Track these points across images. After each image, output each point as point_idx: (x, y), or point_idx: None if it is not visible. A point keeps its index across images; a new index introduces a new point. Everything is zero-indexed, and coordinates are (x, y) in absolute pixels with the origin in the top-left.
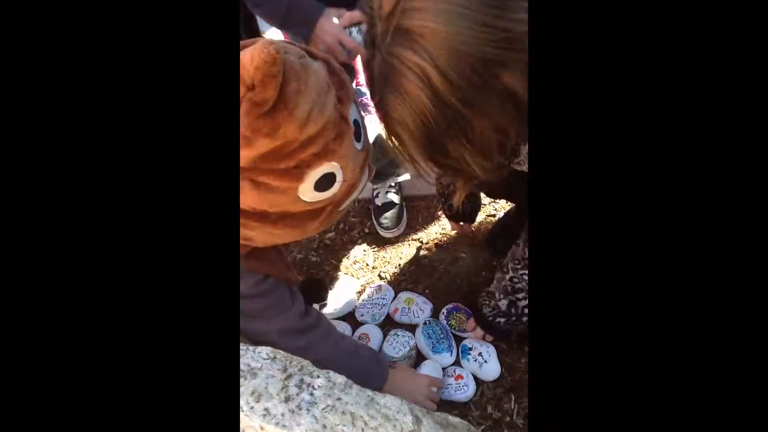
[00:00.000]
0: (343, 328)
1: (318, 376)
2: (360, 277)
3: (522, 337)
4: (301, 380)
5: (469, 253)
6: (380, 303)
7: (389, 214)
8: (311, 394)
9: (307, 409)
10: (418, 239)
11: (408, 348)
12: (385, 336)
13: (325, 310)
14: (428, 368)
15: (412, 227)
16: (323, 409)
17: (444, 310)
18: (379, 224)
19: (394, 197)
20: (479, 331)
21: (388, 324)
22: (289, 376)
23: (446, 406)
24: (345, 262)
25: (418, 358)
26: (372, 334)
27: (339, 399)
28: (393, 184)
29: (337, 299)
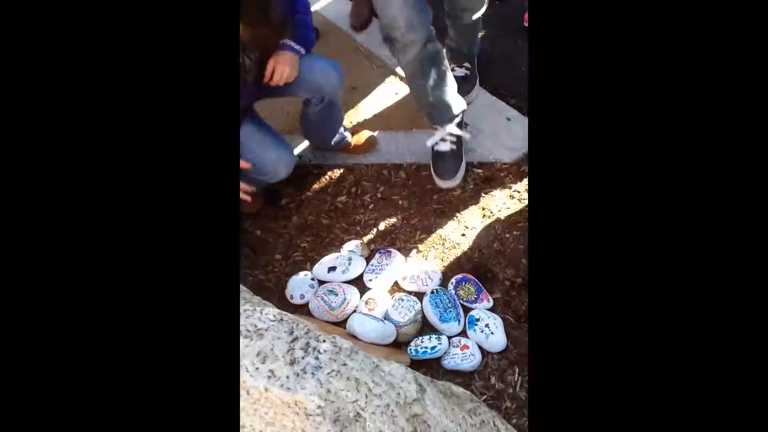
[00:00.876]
0: (351, 291)
1: (324, 341)
2: (370, 242)
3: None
4: (307, 344)
5: (483, 225)
6: (389, 269)
7: (447, 164)
8: (316, 358)
9: (312, 373)
10: (432, 208)
11: (414, 313)
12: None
13: (332, 274)
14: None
15: (426, 195)
16: (328, 373)
17: (453, 280)
18: (436, 173)
19: (452, 147)
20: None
21: (395, 290)
22: (295, 339)
23: (451, 374)
24: (356, 227)
25: (425, 325)
26: (378, 298)
27: (344, 364)
28: (452, 133)
29: (345, 263)
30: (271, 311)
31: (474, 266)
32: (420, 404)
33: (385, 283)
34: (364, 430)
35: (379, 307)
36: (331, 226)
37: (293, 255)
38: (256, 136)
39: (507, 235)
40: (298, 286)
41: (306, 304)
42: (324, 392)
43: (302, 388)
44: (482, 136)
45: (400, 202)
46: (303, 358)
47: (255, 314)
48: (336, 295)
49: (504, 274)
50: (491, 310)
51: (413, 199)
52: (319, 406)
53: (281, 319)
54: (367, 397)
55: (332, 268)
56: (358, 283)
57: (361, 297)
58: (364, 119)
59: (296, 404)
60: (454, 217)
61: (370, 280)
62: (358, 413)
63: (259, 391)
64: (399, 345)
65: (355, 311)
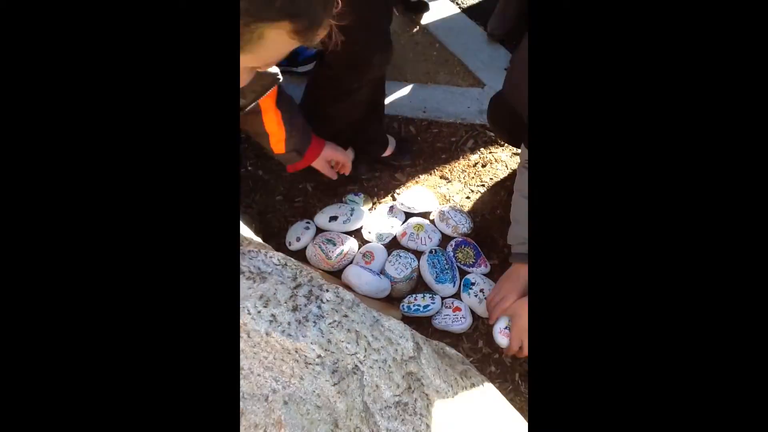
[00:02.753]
0: (350, 243)
1: (327, 290)
2: (372, 196)
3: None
4: (310, 291)
5: (487, 189)
6: (389, 224)
7: None
8: (319, 307)
9: (314, 322)
10: (439, 168)
11: (410, 270)
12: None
13: (333, 224)
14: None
15: (435, 154)
16: (330, 323)
17: (452, 242)
18: None
19: None
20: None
21: (393, 246)
22: (298, 286)
23: (440, 334)
24: (359, 181)
25: (420, 283)
26: (376, 252)
27: (345, 316)
28: None
29: (348, 213)
30: (276, 255)
31: (475, 230)
32: (416, 362)
33: (383, 237)
34: (361, 382)
35: (376, 260)
36: (335, 180)
37: (296, 199)
38: None
39: (500, 197)
40: (294, 230)
41: (303, 250)
42: (325, 342)
43: (303, 336)
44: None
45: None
46: (306, 305)
47: (259, 256)
48: (334, 244)
49: (504, 241)
50: (488, 275)
51: (420, 157)
52: (319, 356)
53: (285, 264)
54: (366, 351)
55: (333, 218)
56: (358, 235)
57: (359, 248)
58: None
59: (297, 351)
60: (461, 179)
61: (370, 233)
62: (356, 366)
63: (260, 334)
64: (392, 300)
65: (351, 263)
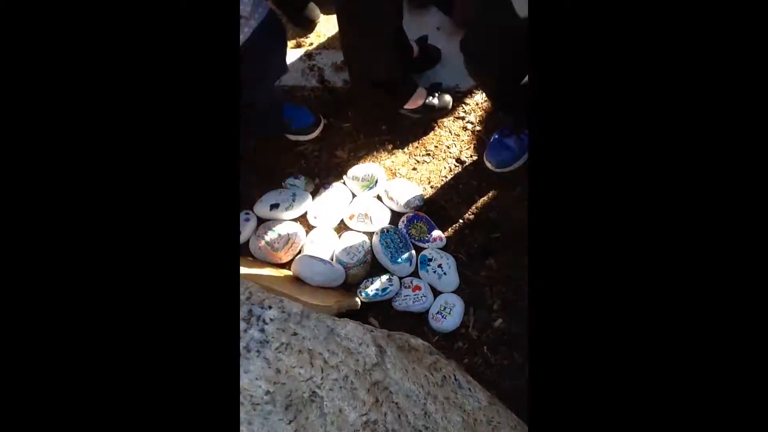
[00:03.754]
0: (297, 230)
1: (270, 307)
2: (314, 177)
3: (482, 251)
4: (250, 312)
5: (435, 156)
6: (335, 205)
7: None
8: (262, 330)
9: (257, 351)
10: (382, 138)
11: (363, 253)
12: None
13: (275, 212)
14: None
15: (378, 123)
16: (276, 348)
17: (404, 218)
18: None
19: None
20: None
21: (342, 229)
22: None
23: (403, 315)
24: (299, 159)
25: (374, 265)
26: (325, 237)
27: (295, 334)
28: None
29: (289, 199)
30: None
31: (426, 202)
32: (381, 369)
33: (331, 221)
34: (322, 410)
35: (326, 245)
36: (272, 160)
37: None
38: None
39: (459, 170)
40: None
41: (245, 244)
42: (272, 374)
43: (246, 371)
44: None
45: (349, 131)
46: (246, 331)
47: None
48: (279, 234)
49: (456, 212)
50: (444, 249)
51: (362, 128)
52: (267, 392)
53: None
54: (323, 371)
55: (275, 205)
56: (303, 221)
57: (306, 235)
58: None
59: (240, 393)
60: (405, 150)
61: (315, 217)
62: (314, 392)
63: None
64: (348, 287)
65: (300, 252)
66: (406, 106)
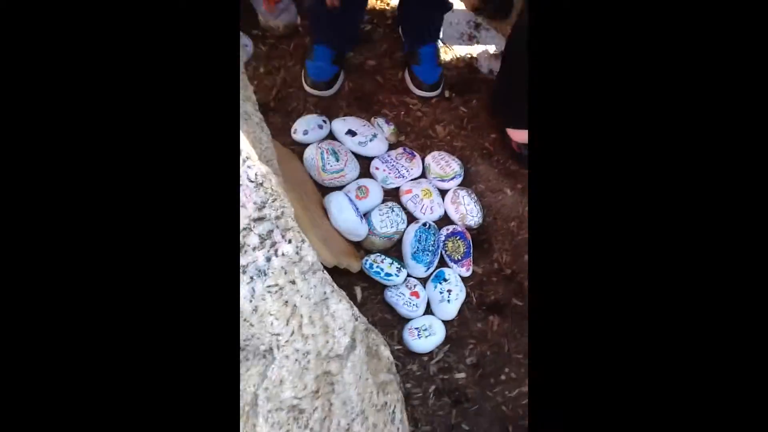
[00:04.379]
0: (353, 166)
1: (290, 240)
2: (401, 135)
3: (492, 305)
4: (270, 232)
5: (512, 194)
6: (401, 173)
7: None
8: (268, 259)
9: (251, 277)
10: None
11: (394, 230)
12: (383, 203)
13: (348, 138)
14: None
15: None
16: (268, 286)
17: (443, 230)
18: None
19: None
20: None
21: (391, 197)
22: (261, 218)
23: (385, 304)
24: (396, 109)
25: (396, 247)
26: (372, 191)
27: (293, 282)
28: None
29: (369, 136)
30: (256, 166)
31: (479, 228)
32: (340, 363)
33: (387, 180)
34: (265, 371)
35: (368, 200)
36: (372, 92)
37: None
38: None
39: (522, 211)
40: (306, 121)
41: (303, 146)
42: (248, 309)
43: None
44: None
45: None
46: (254, 249)
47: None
48: (337, 159)
49: (499, 255)
50: (464, 279)
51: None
52: None
53: (261, 183)
54: (292, 335)
55: (352, 132)
56: (364, 164)
57: (359, 177)
58: None
59: None
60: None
61: (377, 168)
62: (270, 349)
63: None
64: (359, 249)
65: (342, 189)
66: None
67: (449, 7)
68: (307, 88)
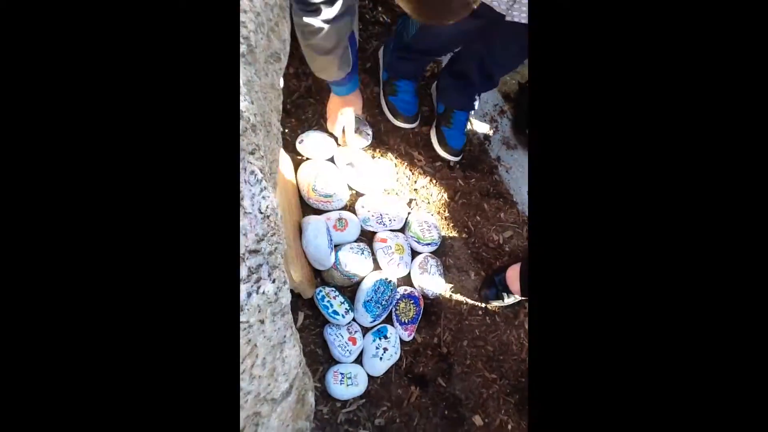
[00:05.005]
0: (342, 196)
1: (274, 280)
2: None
3: (418, 378)
4: (259, 266)
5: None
6: (383, 220)
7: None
8: (248, 294)
9: None
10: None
11: (357, 272)
12: (356, 241)
13: (348, 167)
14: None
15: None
16: (240, 320)
17: (400, 289)
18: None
19: None
20: None
21: (365, 240)
22: (255, 251)
23: (321, 344)
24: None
25: (353, 289)
26: (351, 227)
27: (261, 321)
28: None
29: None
30: (270, 198)
31: (434, 299)
32: (271, 407)
33: (368, 222)
34: None
35: (344, 233)
36: (387, 132)
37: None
38: None
39: (477, 298)
40: (314, 137)
41: (302, 159)
42: None
43: None
44: None
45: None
46: (241, 282)
47: (251, 179)
48: (330, 186)
49: (442, 332)
50: (403, 343)
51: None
52: None
53: (267, 216)
54: (242, 374)
55: (353, 165)
56: (357, 197)
57: (343, 209)
58: None
59: None
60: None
61: (363, 207)
62: None
63: None
64: (318, 275)
65: (324, 214)
66: None
67: (496, 84)
68: (398, 123)
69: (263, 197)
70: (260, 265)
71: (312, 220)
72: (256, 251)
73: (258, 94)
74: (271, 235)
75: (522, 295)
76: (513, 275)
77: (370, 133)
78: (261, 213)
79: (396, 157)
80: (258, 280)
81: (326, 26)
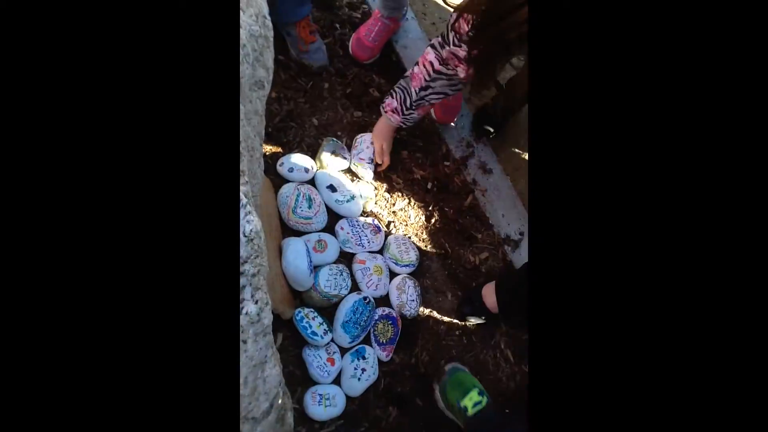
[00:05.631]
0: (321, 218)
1: (257, 301)
2: (375, 197)
3: (395, 398)
4: (241, 287)
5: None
6: (362, 242)
7: None
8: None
9: None
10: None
11: (336, 293)
12: (335, 263)
13: (327, 192)
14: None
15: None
16: None
17: (379, 310)
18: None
19: None
20: None
21: (345, 261)
22: (239, 273)
23: (299, 364)
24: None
25: (332, 309)
26: (330, 248)
27: (244, 342)
28: None
29: (348, 195)
30: (254, 222)
31: (412, 319)
32: (251, 426)
33: (346, 244)
34: None
35: (324, 254)
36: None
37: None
38: None
39: (454, 318)
40: (295, 160)
41: (282, 181)
42: None
43: None
44: None
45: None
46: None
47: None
48: (310, 207)
49: (420, 352)
50: (381, 365)
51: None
52: None
53: (251, 239)
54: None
55: (333, 188)
56: (335, 219)
57: (323, 230)
58: None
59: None
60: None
61: (342, 229)
62: None
63: None
64: (297, 296)
65: (304, 235)
66: None
67: None
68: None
69: (247, 221)
70: (243, 287)
71: (292, 241)
72: (240, 273)
73: (242, 120)
74: (255, 257)
75: (498, 309)
76: (488, 292)
77: (348, 156)
78: (245, 236)
79: (374, 180)
80: (240, 302)
81: None
